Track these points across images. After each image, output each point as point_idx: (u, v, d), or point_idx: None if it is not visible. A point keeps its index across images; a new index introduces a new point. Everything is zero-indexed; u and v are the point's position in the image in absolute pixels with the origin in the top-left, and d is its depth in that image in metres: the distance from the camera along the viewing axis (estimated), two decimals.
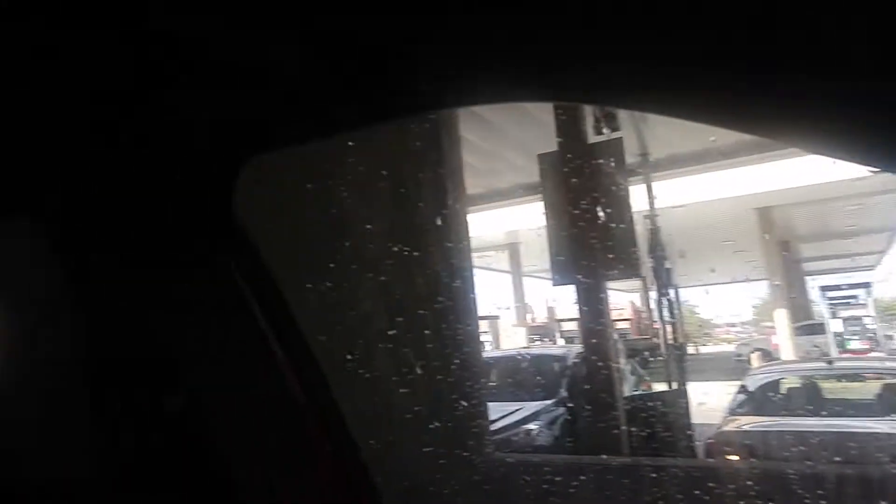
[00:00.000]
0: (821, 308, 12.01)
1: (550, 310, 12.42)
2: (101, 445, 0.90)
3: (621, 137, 4.65)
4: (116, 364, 0.87)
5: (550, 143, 4.61)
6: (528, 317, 12.37)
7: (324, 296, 2.25)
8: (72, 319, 0.90)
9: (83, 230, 0.87)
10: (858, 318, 11.32)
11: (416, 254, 2.57)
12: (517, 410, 4.94)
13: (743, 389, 5.23)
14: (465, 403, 2.56)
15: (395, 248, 2.46)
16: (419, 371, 2.47)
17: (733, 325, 19.76)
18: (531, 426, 4.84)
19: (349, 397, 0.95)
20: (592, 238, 4.27)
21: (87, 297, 0.89)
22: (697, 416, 5.09)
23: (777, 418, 4.57)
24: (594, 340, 4.53)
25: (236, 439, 0.86)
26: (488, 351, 8.86)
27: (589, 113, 4.71)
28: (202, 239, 0.87)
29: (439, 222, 2.71)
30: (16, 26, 0.60)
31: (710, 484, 2.69)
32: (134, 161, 0.82)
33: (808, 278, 13.79)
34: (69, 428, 0.90)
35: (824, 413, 4.67)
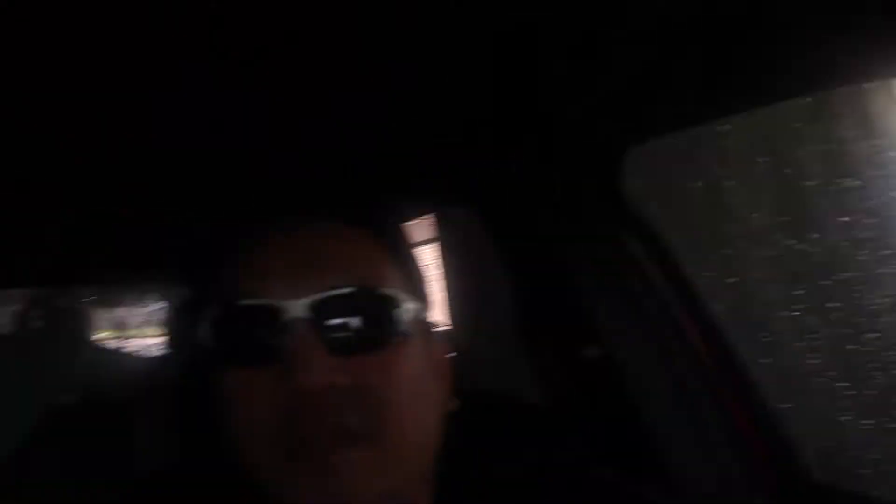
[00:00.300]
0: None
1: None
2: (538, 385, 1.02)
3: None
4: (547, 321, 0.99)
5: None
6: None
7: (714, 268, 2.47)
8: (510, 287, 1.02)
9: (509, 214, 1.00)
10: None
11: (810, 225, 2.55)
12: None
13: None
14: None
15: (786, 218, 2.52)
16: (827, 338, 2.43)
17: None
18: None
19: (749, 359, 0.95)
20: None
21: (520, 268, 1.01)
22: None
23: None
24: None
25: (645, 385, 0.90)
26: None
27: None
28: (601, 216, 0.97)
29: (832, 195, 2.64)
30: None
31: None
32: (539, 151, 0.91)
33: None
34: (515, 368, 1.01)
35: None
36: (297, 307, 0.49)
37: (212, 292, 0.55)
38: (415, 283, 0.58)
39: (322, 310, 0.50)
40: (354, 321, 0.51)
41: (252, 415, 0.50)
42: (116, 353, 2.33)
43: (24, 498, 1.37)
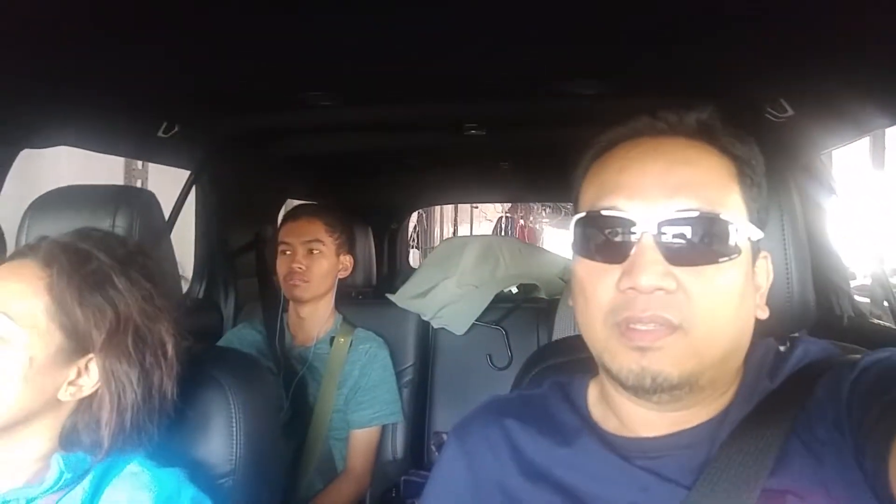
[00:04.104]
0: None
1: None
2: None
3: None
4: None
5: None
6: None
7: None
8: None
9: None
10: None
11: None
12: None
13: None
14: None
15: None
16: None
17: None
18: None
19: None
20: None
21: None
22: None
23: None
24: None
25: None
26: None
27: None
28: None
29: None
30: None
31: None
32: None
33: None
34: None
35: None
36: (647, 223, 0.62)
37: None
38: (754, 208, 0.67)
39: (666, 227, 0.61)
40: (691, 239, 0.61)
41: (596, 297, 0.64)
42: None
43: None
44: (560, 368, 0.96)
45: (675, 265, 0.61)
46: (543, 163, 2.36)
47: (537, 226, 13.48)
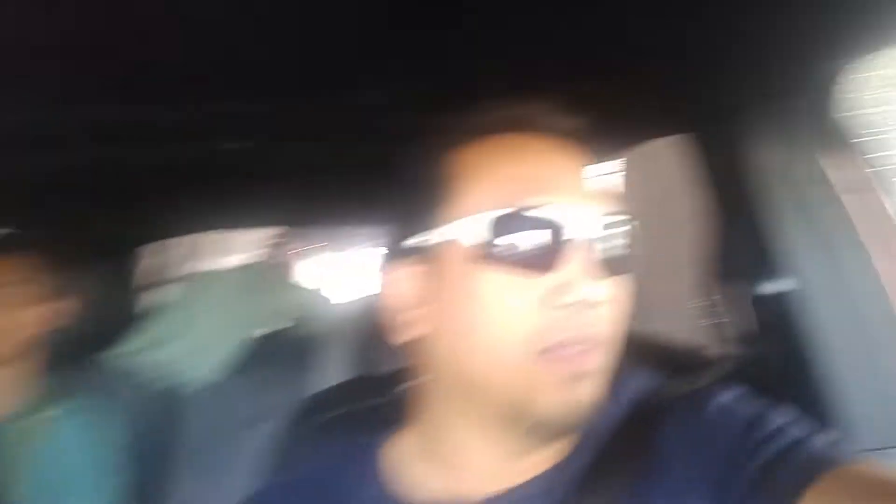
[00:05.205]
0: None
1: None
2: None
3: None
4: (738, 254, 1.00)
5: None
6: None
7: None
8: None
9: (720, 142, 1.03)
10: None
11: None
12: None
13: None
14: None
15: None
16: None
17: None
18: None
19: None
20: None
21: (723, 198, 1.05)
22: None
23: None
24: None
25: (827, 326, 0.88)
26: None
27: None
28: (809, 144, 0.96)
29: None
30: None
31: None
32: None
33: None
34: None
35: None
36: (581, 226, 0.53)
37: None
38: None
39: (600, 233, 0.54)
40: (618, 246, 0.55)
41: (511, 318, 0.52)
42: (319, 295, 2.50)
43: None
44: (332, 422, 0.85)
45: (609, 274, 0.54)
46: (314, 182, 2.19)
47: (289, 257, 13.22)
